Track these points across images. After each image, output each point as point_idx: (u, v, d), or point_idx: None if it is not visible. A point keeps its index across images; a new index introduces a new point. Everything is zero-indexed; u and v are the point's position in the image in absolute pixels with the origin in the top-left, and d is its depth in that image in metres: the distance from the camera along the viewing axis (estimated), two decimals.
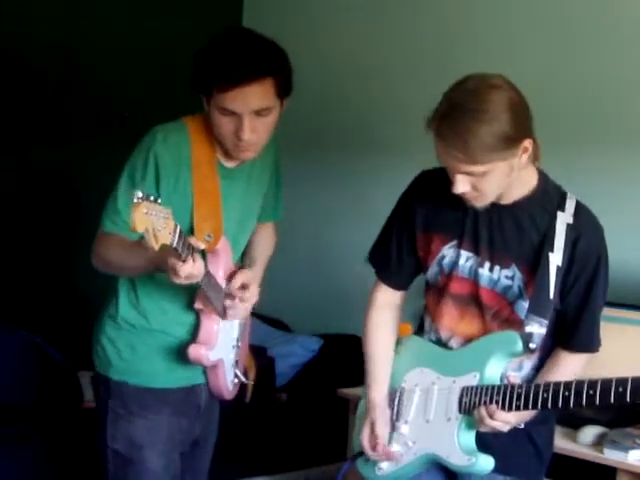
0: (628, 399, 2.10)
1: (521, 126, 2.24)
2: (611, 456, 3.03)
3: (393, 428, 2.51)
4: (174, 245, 2.12)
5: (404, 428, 2.48)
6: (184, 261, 2.23)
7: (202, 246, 2.34)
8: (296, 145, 4.90)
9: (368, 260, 2.62)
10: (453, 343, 2.47)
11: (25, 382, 3.81)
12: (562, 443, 3.13)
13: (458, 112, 2.20)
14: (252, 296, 2.60)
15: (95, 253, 2.52)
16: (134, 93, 4.61)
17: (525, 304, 2.37)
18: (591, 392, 2.16)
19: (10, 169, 4.36)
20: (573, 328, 2.41)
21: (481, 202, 2.33)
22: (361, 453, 2.56)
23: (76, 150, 4.50)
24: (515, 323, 2.38)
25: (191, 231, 2.46)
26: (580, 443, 3.16)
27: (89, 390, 3.78)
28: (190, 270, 2.25)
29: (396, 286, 2.59)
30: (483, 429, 2.35)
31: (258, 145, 2.50)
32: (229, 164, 2.59)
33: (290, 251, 4.90)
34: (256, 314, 4.43)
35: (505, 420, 2.31)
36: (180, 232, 2.13)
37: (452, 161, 2.25)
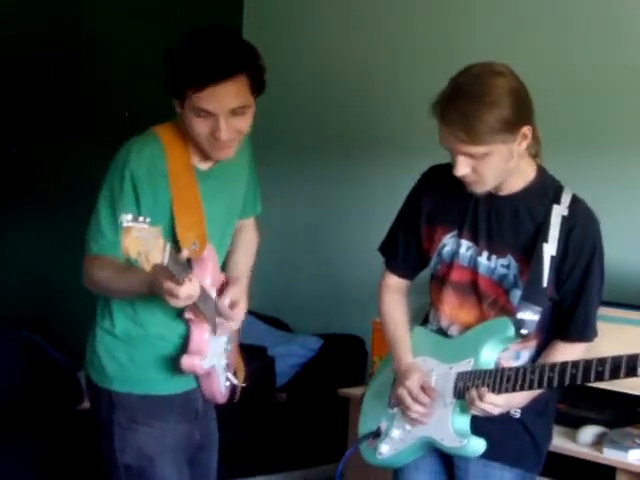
0: (607, 377, 2.16)
1: (521, 113, 2.32)
2: (611, 456, 3.04)
3: (394, 413, 2.57)
4: (165, 264, 2.05)
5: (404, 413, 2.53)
6: (181, 283, 2.20)
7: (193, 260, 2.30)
8: (296, 145, 4.90)
9: (379, 250, 2.71)
10: (453, 331, 2.53)
11: (25, 382, 3.80)
12: (562, 443, 3.14)
13: (462, 95, 2.29)
14: (241, 312, 2.61)
15: (86, 276, 2.48)
16: (134, 93, 4.61)
17: (520, 293, 2.41)
18: (574, 371, 2.22)
19: (9, 169, 4.36)
20: (568, 317, 2.46)
21: (480, 187, 2.40)
22: (365, 437, 2.61)
23: (76, 150, 4.50)
24: (510, 312, 2.43)
25: (175, 242, 2.39)
26: (580, 443, 3.17)
27: None
28: (189, 291, 2.24)
29: (403, 275, 2.68)
30: (474, 412, 2.41)
31: (235, 143, 2.46)
32: (204, 166, 2.54)
33: (290, 251, 4.91)
34: (256, 314, 4.46)
35: (494, 402, 2.36)
36: (170, 250, 2.06)
37: (454, 142, 2.31)
